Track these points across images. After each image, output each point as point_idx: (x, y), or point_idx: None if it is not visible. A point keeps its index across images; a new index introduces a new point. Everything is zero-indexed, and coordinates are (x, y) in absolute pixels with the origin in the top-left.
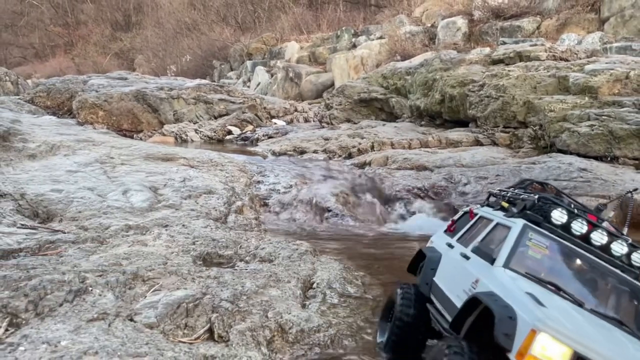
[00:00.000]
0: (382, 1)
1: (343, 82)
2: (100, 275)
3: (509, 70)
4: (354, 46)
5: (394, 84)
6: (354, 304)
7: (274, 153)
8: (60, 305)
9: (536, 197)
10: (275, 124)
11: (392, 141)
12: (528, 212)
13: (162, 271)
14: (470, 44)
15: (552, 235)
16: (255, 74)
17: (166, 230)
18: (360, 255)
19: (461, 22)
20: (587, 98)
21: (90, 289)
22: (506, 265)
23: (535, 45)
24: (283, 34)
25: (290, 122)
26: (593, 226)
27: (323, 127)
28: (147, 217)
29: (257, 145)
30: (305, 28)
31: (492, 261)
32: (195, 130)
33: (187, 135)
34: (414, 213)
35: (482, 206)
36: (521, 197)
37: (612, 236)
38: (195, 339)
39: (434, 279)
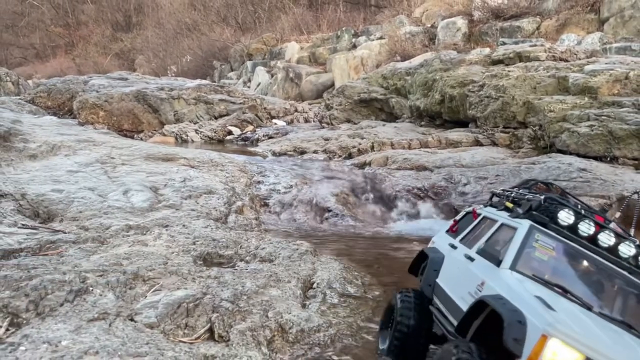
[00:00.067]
0: (382, 2)
1: (343, 82)
2: (100, 275)
3: (508, 71)
4: (354, 46)
5: (394, 84)
6: (354, 304)
7: (274, 153)
8: (61, 305)
9: (542, 197)
10: (275, 124)
11: (392, 141)
12: (534, 212)
13: (162, 271)
14: (470, 45)
15: (558, 237)
16: (256, 74)
17: (166, 230)
18: (360, 255)
19: (461, 22)
20: (586, 98)
21: (90, 288)
22: (513, 267)
23: (535, 45)
24: (283, 34)
25: (290, 123)
26: (600, 227)
27: (323, 127)
28: (147, 217)
29: (257, 145)
30: (305, 28)
31: (498, 263)
32: (196, 131)
33: (187, 136)
34: (414, 213)
35: (485, 206)
36: (526, 197)
37: (620, 237)
38: (196, 338)
39: (437, 280)
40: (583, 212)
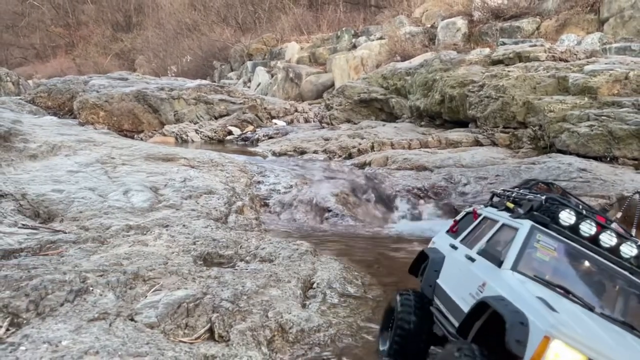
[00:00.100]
0: (382, 2)
1: (343, 82)
2: (101, 275)
3: (508, 71)
4: (354, 47)
5: (394, 84)
6: (354, 304)
7: (274, 153)
8: (61, 305)
9: (543, 197)
10: (275, 124)
11: (392, 141)
12: (535, 213)
13: (162, 271)
14: (470, 45)
15: (560, 237)
16: (256, 74)
17: (167, 230)
18: (360, 255)
19: (461, 22)
20: (586, 98)
21: (91, 288)
22: (514, 268)
23: (535, 45)
24: (283, 34)
25: (290, 123)
26: (602, 227)
27: (323, 127)
28: (147, 217)
29: (257, 145)
30: (305, 29)
31: (499, 264)
32: (196, 131)
33: (187, 136)
34: (413, 213)
35: (486, 206)
36: (527, 197)
37: (621, 238)
38: (196, 338)
39: (438, 281)
40: (584, 212)
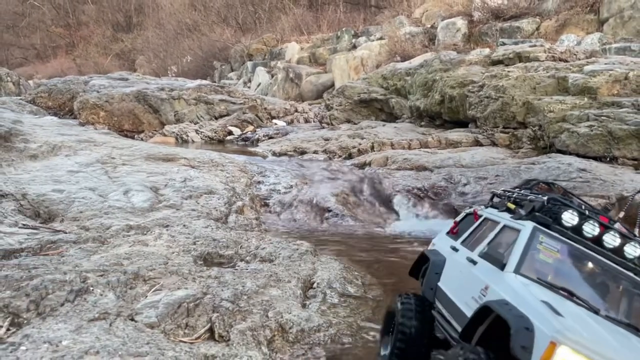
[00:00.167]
0: (382, 2)
1: (343, 82)
2: (101, 275)
3: (508, 71)
4: (354, 47)
5: (394, 84)
6: (354, 304)
7: (274, 153)
8: (62, 305)
9: (545, 198)
10: (275, 124)
11: (392, 142)
12: (537, 213)
13: (163, 271)
14: (469, 45)
15: (563, 238)
16: (256, 74)
17: (167, 230)
18: (360, 255)
19: (461, 23)
20: (586, 99)
21: (91, 288)
22: (517, 270)
23: (535, 46)
24: (283, 34)
25: (290, 123)
26: (605, 228)
27: (323, 127)
28: (148, 217)
29: (257, 145)
30: (305, 29)
31: (501, 266)
32: (196, 131)
33: (187, 136)
34: (413, 213)
35: (486, 207)
36: (529, 198)
37: (625, 238)
38: (196, 338)
39: (439, 284)
40: (587, 212)
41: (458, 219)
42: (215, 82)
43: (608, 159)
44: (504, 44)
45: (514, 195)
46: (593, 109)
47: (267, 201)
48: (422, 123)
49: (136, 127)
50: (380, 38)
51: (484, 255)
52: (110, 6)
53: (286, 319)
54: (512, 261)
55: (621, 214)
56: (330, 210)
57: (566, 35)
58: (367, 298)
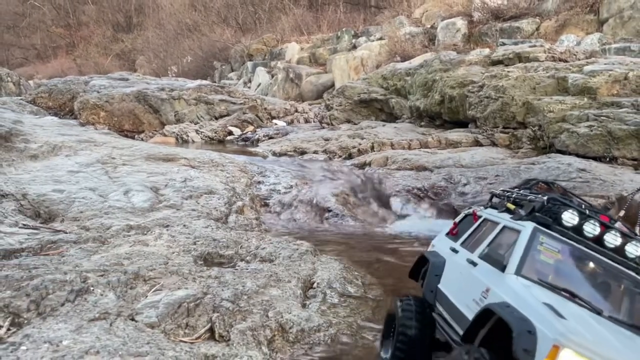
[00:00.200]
0: (382, 2)
1: (343, 82)
2: (101, 275)
3: (508, 71)
4: (354, 47)
5: (393, 84)
6: (354, 304)
7: (274, 153)
8: (62, 305)
9: (545, 198)
10: (275, 124)
11: (392, 142)
12: (537, 214)
13: (163, 271)
14: (469, 45)
15: (564, 239)
16: (256, 74)
17: (167, 230)
18: (360, 255)
19: (461, 23)
20: (586, 99)
21: (91, 288)
22: (518, 272)
23: (535, 46)
24: (283, 35)
25: (290, 123)
26: (606, 227)
27: (323, 127)
28: (148, 217)
29: (257, 145)
30: (305, 29)
31: (502, 268)
32: (196, 131)
33: (188, 136)
34: (414, 213)
35: (485, 208)
36: (528, 198)
37: (626, 237)
38: (196, 338)
39: (439, 286)
40: (587, 212)
41: (457, 219)
42: (215, 82)
43: (608, 159)
44: (503, 44)
45: (513, 196)
46: (593, 109)
47: (267, 201)
48: (422, 123)
49: (136, 127)
50: (380, 38)
51: (484, 257)
52: (110, 6)
53: (286, 319)
54: (513, 262)
55: (621, 213)
56: (330, 210)
57: (566, 36)
58: (367, 298)
